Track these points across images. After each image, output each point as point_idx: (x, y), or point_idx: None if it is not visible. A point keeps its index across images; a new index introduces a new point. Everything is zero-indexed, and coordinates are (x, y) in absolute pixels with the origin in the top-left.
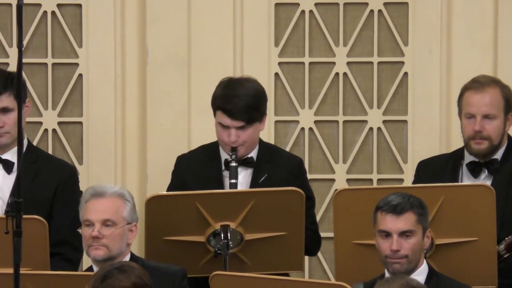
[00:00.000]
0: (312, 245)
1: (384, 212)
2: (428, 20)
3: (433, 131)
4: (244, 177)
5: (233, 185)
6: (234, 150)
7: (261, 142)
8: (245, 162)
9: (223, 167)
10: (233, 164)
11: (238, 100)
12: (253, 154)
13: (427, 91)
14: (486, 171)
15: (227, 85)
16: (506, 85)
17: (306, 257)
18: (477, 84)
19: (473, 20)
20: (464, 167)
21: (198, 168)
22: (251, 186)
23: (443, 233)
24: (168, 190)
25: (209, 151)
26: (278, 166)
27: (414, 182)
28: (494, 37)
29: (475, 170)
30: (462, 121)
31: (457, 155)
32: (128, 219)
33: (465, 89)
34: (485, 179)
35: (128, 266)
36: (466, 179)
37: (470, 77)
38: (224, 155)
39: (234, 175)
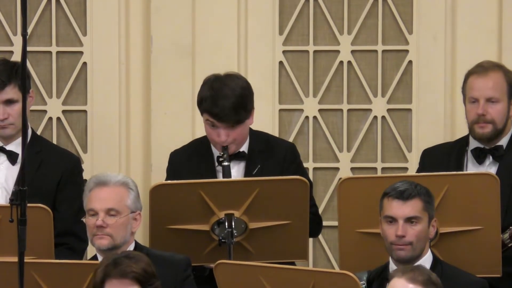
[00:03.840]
0: (314, 226)
1: (390, 197)
2: (433, 8)
3: (438, 119)
4: (237, 171)
5: (227, 168)
6: (225, 148)
7: (251, 132)
8: (237, 156)
9: (216, 164)
10: (226, 163)
11: (225, 102)
12: (245, 147)
13: (432, 79)
14: (491, 157)
15: (211, 86)
16: (510, 70)
17: (311, 246)
18: (481, 68)
19: (478, 7)
20: (469, 154)
21: (191, 164)
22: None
23: (448, 222)
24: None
25: (202, 146)
26: (271, 155)
27: (418, 170)
28: (499, 25)
29: (479, 156)
30: (466, 107)
31: (462, 142)
32: (132, 208)
33: (469, 74)
34: (489, 165)
35: (134, 254)
36: (471, 166)
37: (474, 65)
38: (216, 151)
39: (227, 174)
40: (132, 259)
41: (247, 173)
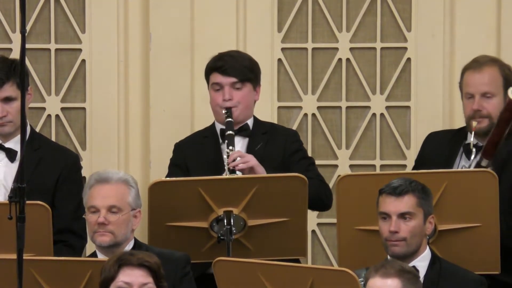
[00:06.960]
0: (323, 190)
1: (384, 194)
2: (431, 5)
3: (436, 116)
4: (241, 147)
5: (230, 137)
6: (228, 110)
7: (256, 118)
8: (241, 130)
9: (220, 140)
10: (229, 119)
11: (231, 58)
12: (249, 122)
13: (430, 76)
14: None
15: (221, 52)
16: (506, 64)
17: (309, 243)
18: (476, 63)
19: (476, 5)
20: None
21: (196, 146)
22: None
23: (446, 219)
24: (168, 170)
25: (205, 130)
26: (274, 136)
27: (418, 153)
28: (498, 22)
29: (468, 151)
30: (463, 102)
31: (462, 133)
32: (132, 205)
33: (465, 69)
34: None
35: (148, 252)
36: (462, 160)
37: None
38: (220, 128)
39: (231, 142)
40: (146, 254)
41: (250, 149)
